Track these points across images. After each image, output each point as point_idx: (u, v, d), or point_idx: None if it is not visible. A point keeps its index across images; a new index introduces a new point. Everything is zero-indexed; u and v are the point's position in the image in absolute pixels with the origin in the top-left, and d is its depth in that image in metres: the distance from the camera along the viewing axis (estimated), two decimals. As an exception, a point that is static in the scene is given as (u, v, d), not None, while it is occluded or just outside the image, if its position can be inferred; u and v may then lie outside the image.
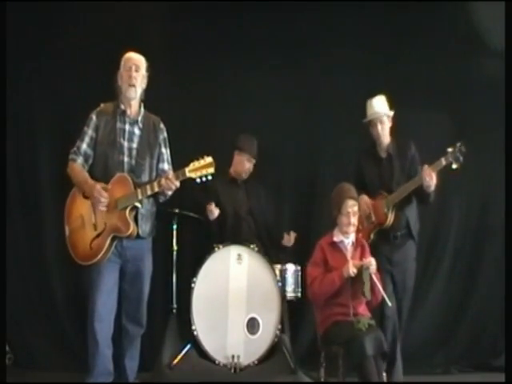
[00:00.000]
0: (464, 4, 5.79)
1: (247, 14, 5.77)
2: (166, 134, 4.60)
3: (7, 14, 4.95)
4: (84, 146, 4.45)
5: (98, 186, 4.32)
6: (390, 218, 4.93)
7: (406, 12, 5.79)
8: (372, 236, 4.98)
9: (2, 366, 4.87)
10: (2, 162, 5.02)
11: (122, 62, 4.50)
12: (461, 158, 4.65)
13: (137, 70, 4.45)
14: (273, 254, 5.28)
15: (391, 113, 5.06)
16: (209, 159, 4.27)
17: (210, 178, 4.28)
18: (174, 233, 5.27)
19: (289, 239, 5.33)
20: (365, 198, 4.98)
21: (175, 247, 5.26)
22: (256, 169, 5.46)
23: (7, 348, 5.39)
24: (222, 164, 5.33)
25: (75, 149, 4.47)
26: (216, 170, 4.30)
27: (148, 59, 4.53)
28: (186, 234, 5.49)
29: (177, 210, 5.21)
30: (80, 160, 4.45)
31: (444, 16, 5.84)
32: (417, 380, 5.21)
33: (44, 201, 5.68)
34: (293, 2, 5.81)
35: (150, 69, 4.53)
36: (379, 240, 4.93)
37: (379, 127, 5.02)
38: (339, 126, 5.78)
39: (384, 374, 4.37)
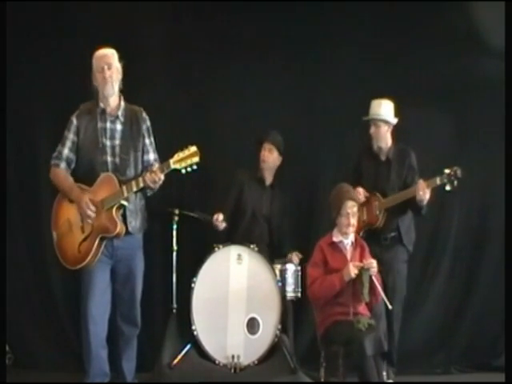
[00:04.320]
0: (464, 4, 5.78)
1: (247, 14, 5.77)
2: (149, 123, 4.52)
3: (7, 14, 4.94)
4: (66, 151, 4.43)
5: (86, 198, 4.29)
6: (381, 220, 5.04)
7: (406, 12, 5.79)
8: (361, 234, 5.02)
9: (2, 366, 4.87)
10: (2, 162, 5.01)
11: (94, 62, 4.43)
12: (455, 183, 4.78)
13: (109, 68, 4.38)
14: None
15: (392, 120, 5.12)
16: (193, 148, 4.20)
17: (195, 167, 4.21)
18: (174, 233, 5.26)
19: (290, 259, 5.27)
20: (360, 190, 5.04)
21: (175, 247, 5.25)
22: (284, 174, 5.50)
23: (7, 348, 5.39)
24: (223, 164, 5.37)
25: (57, 153, 4.45)
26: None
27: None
28: (186, 234, 5.49)
29: (177, 210, 5.21)
30: (63, 165, 4.43)
31: (444, 16, 5.84)
32: (417, 380, 5.21)
33: (44, 201, 5.66)
34: (293, 1, 5.81)
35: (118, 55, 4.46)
36: (369, 241, 4.93)
37: (372, 129, 5.13)
38: (339, 126, 5.78)
39: (384, 374, 4.37)
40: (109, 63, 4.39)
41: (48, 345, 5.63)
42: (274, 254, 5.31)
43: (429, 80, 5.84)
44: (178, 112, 5.66)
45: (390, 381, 4.90)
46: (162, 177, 4.26)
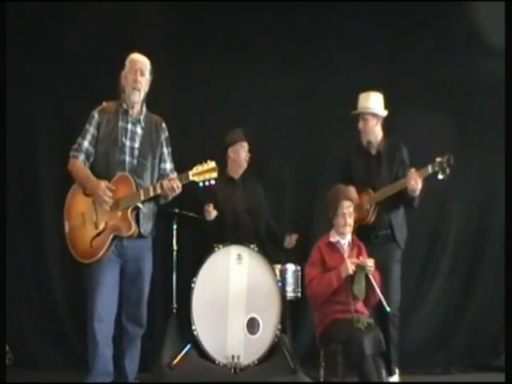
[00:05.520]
0: (464, 4, 5.79)
1: (247, 14, 5.78)
2: (167, 134, 4.61)
3: (7, 14, 4.94)
4: (86, 144, 4.45)
5: (103, 184, 4.32)
6: (372, 215, 4.96)
7: (406, 12, 5.79)
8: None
9: (2, 366, 4.87)
10: (2, 162, 5.01)
11: (128, 63, 4.48)
12: (447, 170, 4.67)
13: (142, 74, 4.45)
14: (272, 252, 5.28)
15: (382, 112, 5.03)
16: (212, 164, 4.31)
17: (213, 182, 4.32)
18: (174, 233, 5.27)
19: (290, 242, 5.31)
20: (353, 190, 4.95)
21: (175, 247, 5.25)
22: (253, 166, 5.45)
23: (7, 348, 5.39)
24: (221, 164, 5.35)
25: (76, 146, 4.46)
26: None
27: (148, 59, 4.53)
28: (186, 234, 5.49)
29: (177, 210, 5.21)
30: (82, 157, 4.44)
31: (444, 16, 5.84)
32: (417, 380, 5.21)
33: (44, 201, 5.68)
34: (293, 1, 5.81)
35: (151, 69, 4.53)
36: (361, 239, 4.86)
37: (361, 123, 5.05)
38: (339, 126, 5.77)
39: (383, 373, 4.36)
40: (142, 70, 4.46)
41: (48, 345, 5.62)
42: (267, 244, 5.32)
43: (429, 80, 5.85)
44: (179, 112, 5.65)
45: (395, 380, 4.89)
46: (180, 186, 4.34)
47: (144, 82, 4.46)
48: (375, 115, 5.01)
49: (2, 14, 4.83)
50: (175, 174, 4.45)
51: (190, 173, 4.31)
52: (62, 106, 5.71)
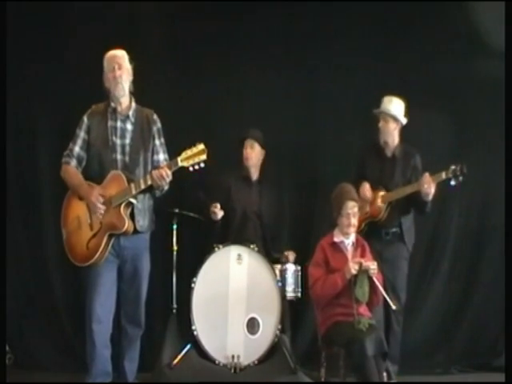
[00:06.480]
0: (464, 4, 5.79)
1: (247, 13, 5.77)
2: (159, 125, 4.57)
3: (7, 14, 4.94)
4: (77, 149, 4.46)
5: (96, 192, 4.32)
6: (383, 213, 5.05)
7: (407, 12, 5.79)
8: (363, 226, 5.05)
9: (2, 366, 4.87)
10: (2, 162, 5.01)
11: (105, 63, 4.49)
12: (460, 178, 4.83)
13: (120, 68, 4.44)
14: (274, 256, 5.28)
15: (401, 118, 5.15)
16: (201, 146, 4.25)
17: (202, 165, 4.25)
18: (174, 233, 5.27)
19: (287, 258, 5.29)
20: (367, 186, 5.08)
21: (175, 247, 5.26)
22: (273, 170, 5.49)
23: (7, 348, 5.39)
24: (222, 163, 5.36)
25: (68, 151, 4.49)
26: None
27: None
28: (186, 234, 5.49)
29: (177, 210, 5.21)
30: (74, 162, 4.46)
31: (444, 16, 5.84)
32: (417, 380, 5.21)
33: (44, 201, 5.68)
34: (292, 2, 5.81)
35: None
36: (371, 236, 4.95)
37: (381, 123, 5.16)
38: (340, 126, 5.79)
39: (384, 374, 4.36)
40: (119, 64, 4.45)
41: (48, 345, 5.63)
42: (269, 249, 5.30)
43: (429, 80, 5.84)
44: (179, 112, 5.65)
45: (393, 381, 4.90)
46: (170, 173, 4.30)
47: (124, 74, 4.45)
48: (396, 119, 5.13)
49: (2, 14, 4.83)
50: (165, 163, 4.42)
51: (179, 158, 4.26)
52: (62, 105, 5.71)
